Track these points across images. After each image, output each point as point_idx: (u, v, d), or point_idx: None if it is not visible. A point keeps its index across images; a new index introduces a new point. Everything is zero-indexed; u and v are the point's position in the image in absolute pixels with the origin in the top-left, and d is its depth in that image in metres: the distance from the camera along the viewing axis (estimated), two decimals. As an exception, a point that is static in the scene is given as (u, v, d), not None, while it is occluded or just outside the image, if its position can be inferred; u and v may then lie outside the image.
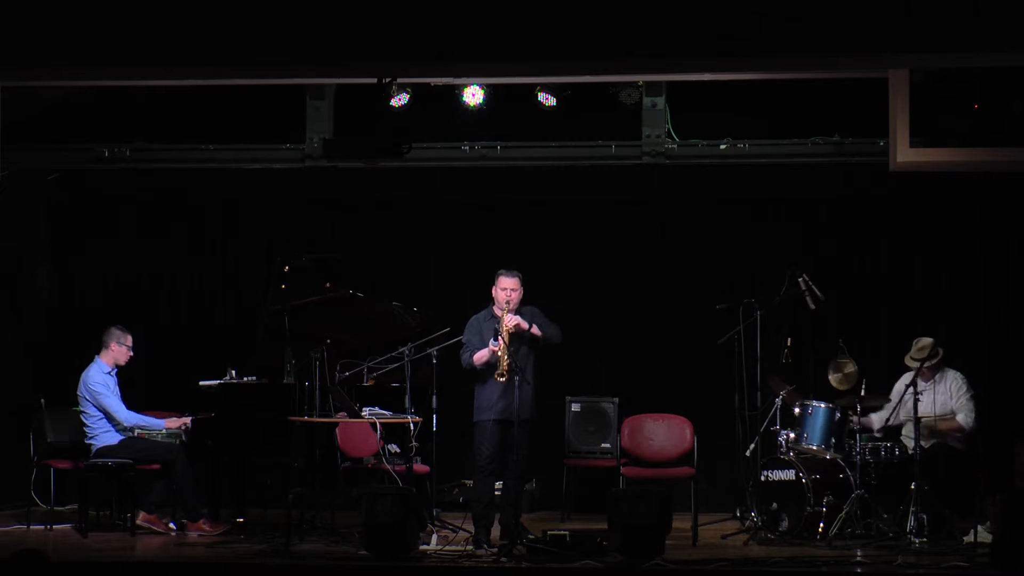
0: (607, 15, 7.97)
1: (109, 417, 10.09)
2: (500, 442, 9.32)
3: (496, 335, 9.23)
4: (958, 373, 9.94)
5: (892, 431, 10.03)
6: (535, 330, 9.33)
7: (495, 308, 9.46)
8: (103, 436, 10.12)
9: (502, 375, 9.17)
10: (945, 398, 9.83)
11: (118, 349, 10.26)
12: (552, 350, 9.52)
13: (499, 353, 9.21)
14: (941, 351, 9.85)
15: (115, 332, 10.29)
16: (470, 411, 9.55)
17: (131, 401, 10.28)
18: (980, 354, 10.88)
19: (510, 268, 9.51)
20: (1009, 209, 10.87)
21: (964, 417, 9.80)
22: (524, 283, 9.47)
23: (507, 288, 9.37)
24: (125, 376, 10.37)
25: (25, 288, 11.71)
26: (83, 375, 10.20)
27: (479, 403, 9.42)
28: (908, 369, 9.96)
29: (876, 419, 10.00)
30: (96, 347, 10.28)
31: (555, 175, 11.32)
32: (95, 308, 11.70)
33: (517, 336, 9.32)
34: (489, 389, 9.34)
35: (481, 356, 9.36)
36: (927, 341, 9.91)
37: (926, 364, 9.77)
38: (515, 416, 9.11)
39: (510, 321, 9.25)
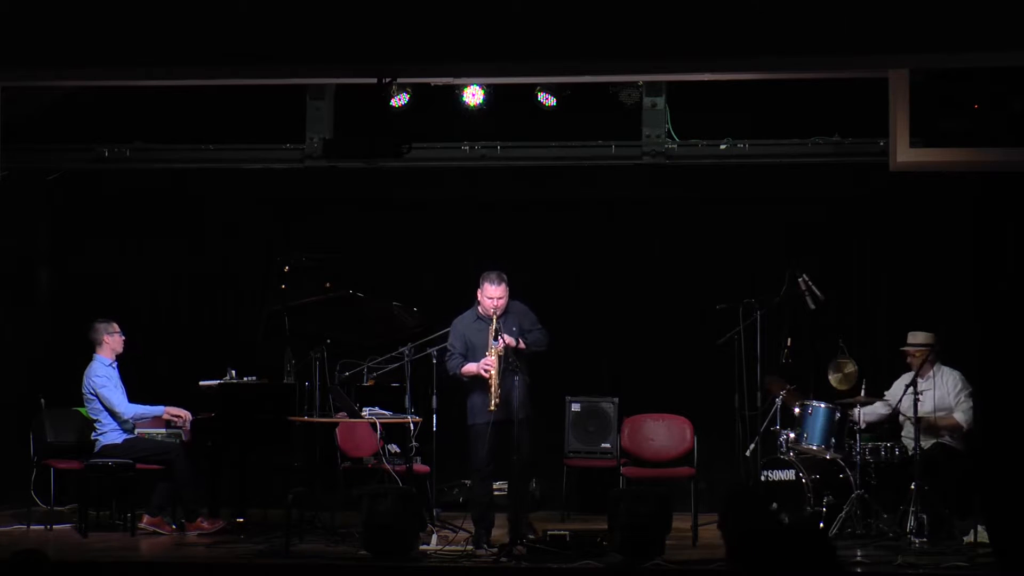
0: (607, 15, 7.96)
1: (110, 411, 10.10)
2: (495, 444, 9.30)
3: (490, 347, 9.22)
4: (955, 371, 9.96)
5: (891, 427, 10.06)
6: (521, 344, 9.33)
7: (479, 310, 9.45)
8: (111, 434, 10.12)
9: (495, 406, 9.17)
10: (943, 394, 9.86)
11: (111, 339, 10.28)
12: (537, 353, 9.54)
13: (489, 380, 9.21)
14: (939, 346, 9.89)
15: (100, 327, 10.30)
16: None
17: (129, 398, 10.28)
18: (978, 353, 10.86)
19: (505, 269, 9.49)
20: (1008, 210, 10.86)
21: (962, 415, 9.82)
22: (516, 283, 9.47)
23: (493, 297, 9.32)
24: (126, 376, 10.37)
25: (25, 288, 11.71)
26: (86, 372, 10.21)
27: (472, 406, 9.42)
28: (907, 369, 9.99)
29: (868, 412, 10.01)
30: (92, 346, 10.30)
31: (555, 175, 11.32)
32: (95, 308, 11.67)
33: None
34: (481, 393, 9.33)
35: (468, 370, 9.36)
36: (920, 333, 9.96)
37: (915, 348, 9.84)
38: (514, 416, 9.11)
39: (500, 344, 9.22)
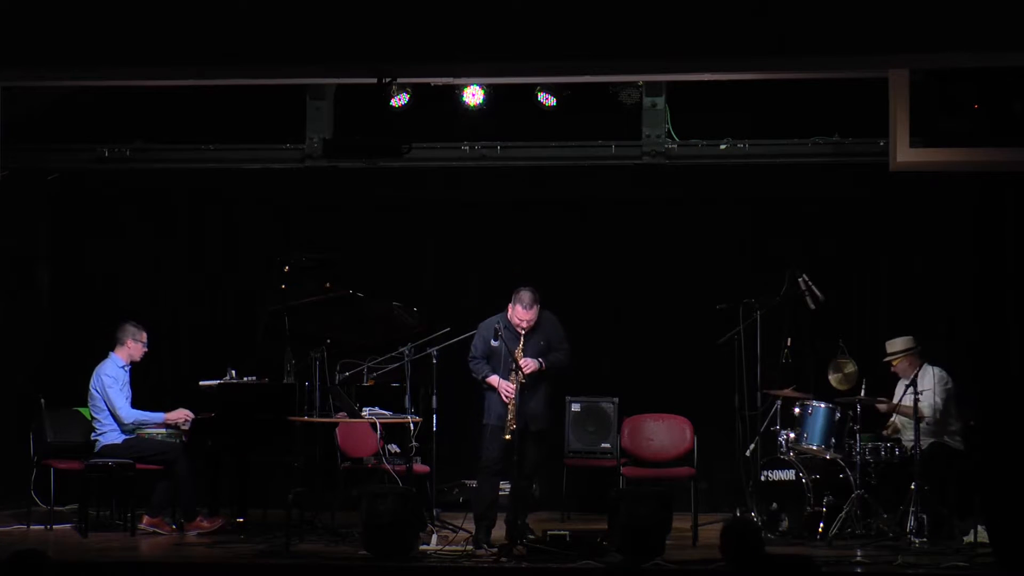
0: (607, 15, 7.97)
1: (112, 412, 10.09)
2: (506, 445, 9.31)
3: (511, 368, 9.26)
4: (938, 369, 9.95)
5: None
6: (544, 366, 9.38)
7: (508, 316, 9.46)
8: (111, 434, 10.11)
9: (509, 433, 9.21)
10: (930, 391, 9.85)
11: (134, 345, 10.27)
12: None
13: (508, 406, 9.26)
14: (918, 347, 9.91)
15: (130, 328, 10.29)
16: (470, 411, 9.57)
17: (132, 400, 10.28)
18: (978, 353, 10.87)
19: (504, 269, 9.53)
20: (1008, 210, 10.86)
21: (927, 406, 9.77)
22: (516, 283, 9.48)
23: (523, 319, 9.38)
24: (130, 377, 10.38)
25: (25, 288, 11.70)
26: (97, 369, 10.19)
27: (489, 405, 9.47)
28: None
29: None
30: (106, 344, 10.28)
31: (555, 175, 11.32)
32: (95, 308, 11.70)
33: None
34: (499, 396, 9.38)
35: (492, 382, 9.40)
36: (897, 340, 9.96)
37: (892, 359, 9.91)
38: (517, 425, 9.12)
39: (527, 367, 9.26)
